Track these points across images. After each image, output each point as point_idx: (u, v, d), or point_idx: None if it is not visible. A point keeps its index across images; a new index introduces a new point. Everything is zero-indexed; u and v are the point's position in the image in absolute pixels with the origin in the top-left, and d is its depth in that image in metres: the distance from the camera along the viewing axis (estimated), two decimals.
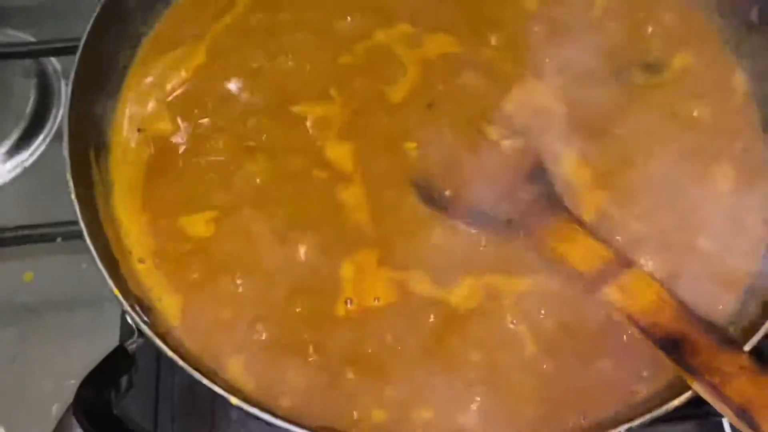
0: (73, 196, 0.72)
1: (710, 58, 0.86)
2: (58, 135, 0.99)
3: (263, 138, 0.80)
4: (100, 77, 0.83)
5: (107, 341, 0.84)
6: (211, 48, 0.86)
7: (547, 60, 0.84)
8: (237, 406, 0.63)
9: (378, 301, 0.72)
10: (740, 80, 0.85)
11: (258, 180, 0.78)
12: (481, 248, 0.74)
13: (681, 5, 0.89)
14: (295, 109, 0.82)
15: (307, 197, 0.77)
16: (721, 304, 0.72)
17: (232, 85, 0.84)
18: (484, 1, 0.89)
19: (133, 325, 0.68)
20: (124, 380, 0.68)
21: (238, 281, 0.74)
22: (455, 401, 0.69)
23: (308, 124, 0.81)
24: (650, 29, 0.86)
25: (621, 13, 0.87)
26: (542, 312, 0.72)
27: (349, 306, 0.72)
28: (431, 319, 0.72)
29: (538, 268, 0.73)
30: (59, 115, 1.01)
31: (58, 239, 0.83)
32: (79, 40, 0.80)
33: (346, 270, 0.74)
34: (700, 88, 0.84)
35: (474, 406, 0.69)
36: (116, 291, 0.68)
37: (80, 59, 0.78)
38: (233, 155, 0.80)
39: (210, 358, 0.71)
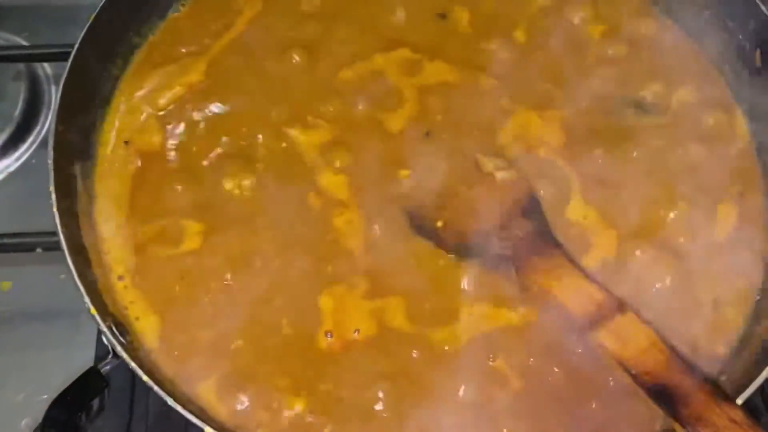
0: (54, 209, 0.70)
1: (711, 100, 0.85)
2: (45, 141, 0.96)
3: (257, 159, 0.79)
4: (90, 86, 0.81)
5: (83, 356, 0.82)
6: (209, 65, 0.84)
7: (544, 94, 0.83)
8: None
9: (358, 333, 0.71)
10: (741, 124, 0.84)
11: (248, 202, 0.77)
12: (470, 282, 0.73)
13: (685, 46, 0.88)
14: (291, 132, 0.80)
15: (297, 221, 0.76)
16: (713, 353, 0.71)
17: (228, 104, 0.82)
18: (480, 32, 0.87)
19: (109, 346, 0.65)
20: (95, 402, 0.65)
21: (220, 303, 0.72)
22: None
23: (303, 147, 0.79)
24: (649, 69, 0.85)
25: (618, 51, 0.86)
26: (530, 350, 0.70)
27: (329, 339, 0.70)
28: (414, 354, 0.70)
29: (528, 305, 0.72)
30: (48, 120, 0.98)
31: (38, 249, 0.80)
32: (72, 46, 0.78)
33: (325, 301, 0.72)
34: (700, 130, 0.83)
35: None
36: (93, 310, 0.66)
37: (71, 67, 0.77)
38: (223, 175, 0.78)
39: (185, 383, 0.69)
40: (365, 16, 0.88)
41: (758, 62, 0.82)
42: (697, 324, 0.72)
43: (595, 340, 0.67)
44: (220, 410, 0.67)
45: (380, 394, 0.68)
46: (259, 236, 0.75)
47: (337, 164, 0.78)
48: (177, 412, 0.62)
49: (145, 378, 0.63)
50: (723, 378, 0.69)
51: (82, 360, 0.80)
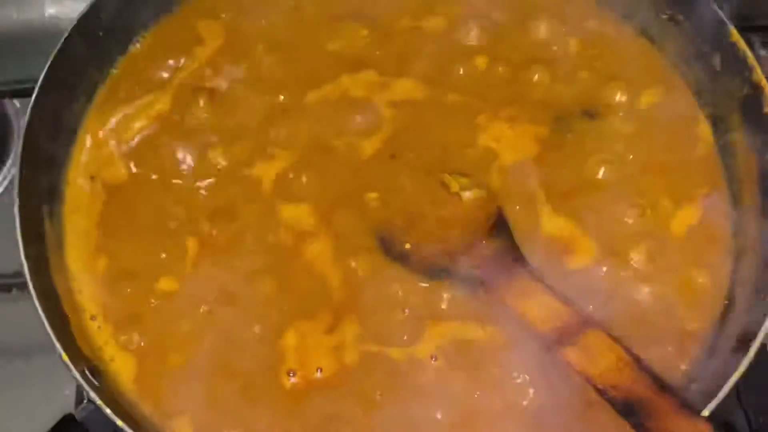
0: (22, 257, 0.70)
1: (674, 105, 0.85)
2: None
3: (221, 195, 0.79)
4: (54, 126, 0.81)
5: (64, 396, 0.83)
6: (174, 97, 0.84)
7: (509, 109, 0.83)
8: None
9: (320, 372, 0.71)
10: (705, 128, 0.84)
11: (214, 240, 0.77)
12: (441, 305, 0.73)
13: (644, 49, 0.89)
14: (253, 169, 0.80)
15: (269, 256, 0.76)
16: (682, 361, 0.72)
17: (192, 137, 0.82)
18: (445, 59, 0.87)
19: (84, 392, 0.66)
20: None
21: (194, 340, 0.73)
22: None
23: (267, 179, 0.80)
24: (610, 75, 0.86)
25: (581, 59, 0.87)
26: (504, 371, 0.71)
27: (291, 378, 0.71)
28: (381, 380, 0.71)
29: (498, 325, 0.72)
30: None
31: (14, 290, 0.81)
32: (35, 81, 0.78)
33: (289, 337, 0.72)
34: (663, 135, 0.83)
35: None
36: (65, 356, 0.66)
37: (33, 109, 0.76)
38: (192, 211, 0.78)
39: (163, 420, 0.70)
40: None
41: (717, 66, 0.83)
42: (667, 332, 0.73)
43: (563, 357, 0.67)
44: None
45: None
46: (229, 273, 0.75)
47: (304, 193, 0.79)
48: None
49: (120, 423, 0.63)
50: (693, 386, 0.70)
51: (65, 399, 0.81)
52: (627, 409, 0.64)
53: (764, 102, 0.78)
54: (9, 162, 0.99)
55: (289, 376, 0.71)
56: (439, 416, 0.69)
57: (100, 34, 0.84)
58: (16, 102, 1.02)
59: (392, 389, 0.70)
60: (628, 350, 0.67)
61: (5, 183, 0.97)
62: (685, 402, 0.64)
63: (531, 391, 0.70)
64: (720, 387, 0.65)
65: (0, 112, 1.01)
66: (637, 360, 0.67)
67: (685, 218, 0.79)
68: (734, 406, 0.80)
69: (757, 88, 0.79)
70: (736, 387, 0.77)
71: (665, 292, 0.75)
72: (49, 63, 0.78)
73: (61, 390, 0.84)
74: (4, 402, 0.86)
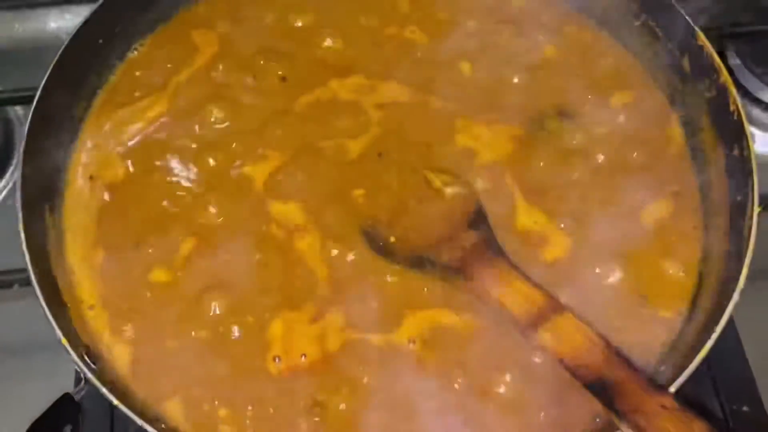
0: (24, 248, 0.74)
1: (648, 107, 0.89)
2: None
3: (215, 193, 0.83)
4: (55, 128, 0.85)
5: (64, 385, 0.86)
6: (170, 101, 0.88)
7: (488, 111, 0.88)
8: None
9: (305, 357, 0.74)
10: (676, 128, 0.88)
11: (207, 235, 0.80)
12: (422, 294, 0.77)
13: (618, 53, 0.93)
14: (245, 169, 0.84)
15: (259, 251, 0.79)
16: (654, 345, 0.76)
17: (188, 139, 0.86)
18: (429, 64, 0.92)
19: (81, 374, 0.69)
20: (69, 428, 0.69)
21: (187, 331, 0.76)
22: None
23: (259, 178, 0.84)
24: (586, 80, 0.90)
25: (557, 64, 0.91)
26: (481, 357, 0.74)
27: (277, 363, 0.74)
28: (361, 364, 0.74)
29: (477, 313, 0.76)
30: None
31: (15, 286, 0.84)
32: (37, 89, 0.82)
33: (276, 327, 0.76)
34: (638, 137, 0.87)
35: None
36: (64, 340, 0.70)
37: (34, 112, 0.80)
38: (185, 208, 0.82)
39: (154, 403, 0.73)
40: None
41: (687, 69, 0.87)
42: (639, 318, 0.77)
43: (537, 340, 0.71)
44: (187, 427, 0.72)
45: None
46: (223, 265, 0.79)
47: (294, 191, 0.82)
48: None
49: (116, 402, 0.66)
50: (663, 368, 0.74)
51: (63, 389, 0.83)
52: (598, 388, 0.67)
53: (731, 103, 0.81)
54: (12, 167, 1.03)
55: (275, 361, 0.74)
56: (417, 400, 0.72)
57: (100, 41, 0.89)
58: (19, 109, 1.07)
59: (371, 373, 0.73)
60: (597, 332, 0.71)
61: (9, 186, 1.01)
62: (651, 380, 0.68)
63: (507, 375, 0.73)
64: (687, 366, 0.68)
65: (4, 118, 1.05)
66: (606, 341, 0.70)
67: (656, 213, 0.83)
68: (710, 394, 0.84)
69: (723, 89, 0.82)
70: (712, 376, 0.82)
71: (637, 282, 0.79)
72: (50, 68, 0.83)
73: (61, 384, 0.87)
74: (3, 395, 0.89)
